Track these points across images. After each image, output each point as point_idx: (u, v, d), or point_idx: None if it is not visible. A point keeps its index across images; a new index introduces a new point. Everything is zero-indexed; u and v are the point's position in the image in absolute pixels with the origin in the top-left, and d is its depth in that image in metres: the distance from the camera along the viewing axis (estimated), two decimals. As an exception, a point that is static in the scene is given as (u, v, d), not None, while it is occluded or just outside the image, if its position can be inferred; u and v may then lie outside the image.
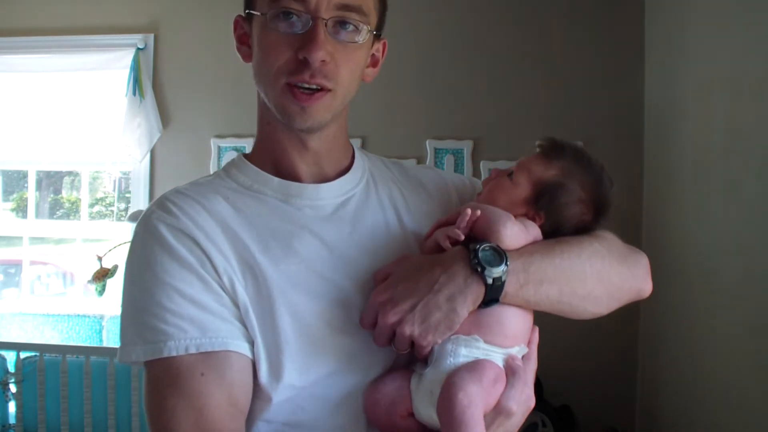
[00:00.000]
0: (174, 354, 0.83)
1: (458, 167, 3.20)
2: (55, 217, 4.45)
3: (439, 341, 0.86)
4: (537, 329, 0.94)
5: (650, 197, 3.00)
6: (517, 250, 0.90)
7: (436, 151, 3.21)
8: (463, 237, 0.89)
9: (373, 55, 1.00)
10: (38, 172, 3.90)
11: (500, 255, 0.86)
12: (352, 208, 0.99)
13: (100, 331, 3.30)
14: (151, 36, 3.43)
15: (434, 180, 1.11)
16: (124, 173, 3.80)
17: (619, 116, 3.10)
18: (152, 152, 3.43)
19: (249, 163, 1.01)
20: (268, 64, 0.91)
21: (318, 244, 0.93)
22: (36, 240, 3.99)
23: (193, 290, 0.86)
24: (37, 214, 3.97)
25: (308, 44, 0.88)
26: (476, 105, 3.19)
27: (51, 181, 4.36)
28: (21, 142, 3.59)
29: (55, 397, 2.56)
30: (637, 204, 3.05)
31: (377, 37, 0.98)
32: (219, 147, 3.38)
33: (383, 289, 0.88)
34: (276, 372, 0.86)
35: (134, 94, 3.35)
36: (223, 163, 3.32)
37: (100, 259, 3.07)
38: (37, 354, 2.62)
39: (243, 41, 0.99)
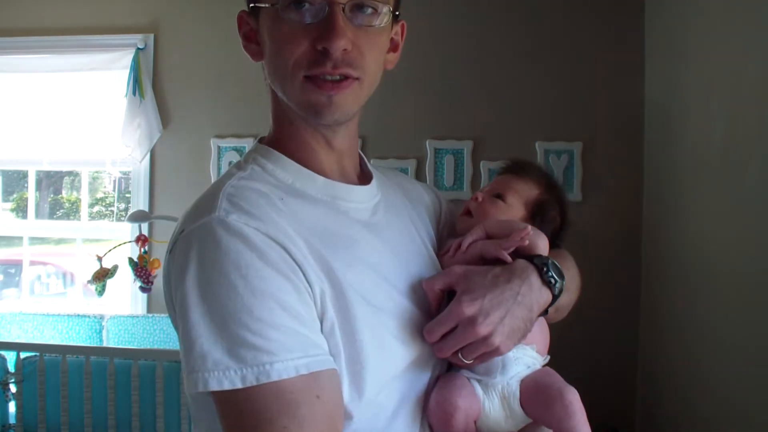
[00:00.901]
0: (285, 377, 0.72)
1: (458, 167, 3.20)
2: (55, 217, 4.46)
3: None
4: None
5: (650, 197, 3.00)
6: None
7: (436, 151, 3.21)
8: (526, 243, 0.92)
9: (392, 39, 0.93)
10: (38, 172, 3.91)
11: (558, 268, 0.91)
12: (382, 212, 0.95)
13: (100, 331, 3.30)
14: (151, 36, 3.44)
15: (412, 189, 1.09)
16: (124, 173, 3.81)
17: (619, 116, 3.10)
18: (152, 152, 3.43)
19: (287, 158, 0.90)
20: (284, 59, 0.83)
21: (372, 251, 0.88)
22: (36, 240, 3.99)
23: (292, 301, 0.76)
24: (37, 214, 3.97)
25: (327, 33, 0.81)
26: (476, 105, 3.19)
27: (51, 181, 4.36)
28: (21, 142, 3.59)
29: (55, 397, 2.56)
30: (637, 204, 3.05)
31: (395, 19, 0.91)
32: (219, 147, 3.38)
33: (469, 302, 0.84)
34: (359, 389, 0.78)
35: (134, 94, 3.35)
36: (224, 163, 3.34)
37: (100, 259, 3.07)
38: (37, 354, 2.62)
39: (250, 38, 0.91)
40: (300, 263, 0.79)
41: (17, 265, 3.93)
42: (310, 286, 0.78)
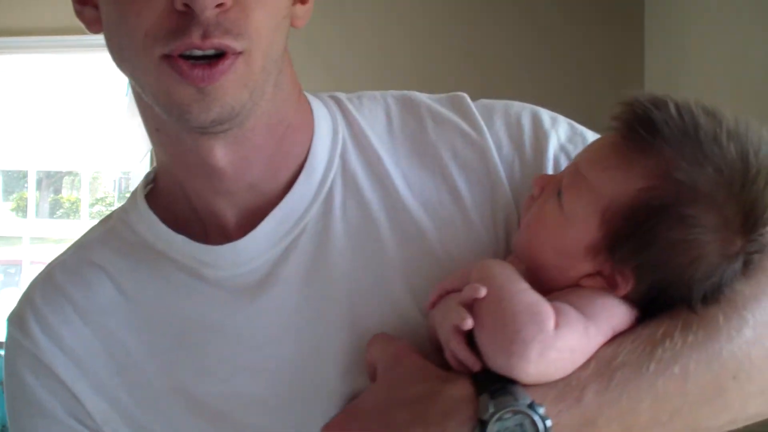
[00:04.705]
0: None
1: (458, 167, 3.19)
2: (55, 217, 4.45)
3: None
4: None
5: (650, 197, 3.00)
6: (563, 385, 0.47)
7: (436, 151, 3.20)
8: (466, 358, 0.50)
9: None
10: (38, 172, 3.91)
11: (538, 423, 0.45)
12: (303, 253, 0.60)
13: (100, 331, 3.30)
14: (151, 36, 3.44)
15: (478, 182, 0.63)
16: (124, 173, 3.81)
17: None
18: (152, 152, 3.43)
19: (146, 206, 0.64)
20: (128, 28, 0.53)
21: (240, 348, 0.60)
22: (36, 240, 3.99)
23: None
24: (37, 214, 3.97)
25: None
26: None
27: (51, 181, 4.36)
28: (21, 142, 3.59)
29: (55, 397, 2.56)
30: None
31: None
32: (219, 147, 3.39)
33: (339, 423, 0.54)
34: None
35: (134, 94, 3.36)
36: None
37: (100, 259, 3.08)
38: (37, 354, 2.62)
39: None
40: (77, 393, 0.61)
41: (17, 265, 3.93)
42: (95, 423, 0.61)
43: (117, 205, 4.04)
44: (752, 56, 2.07)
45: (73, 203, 4.39)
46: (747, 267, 0.51)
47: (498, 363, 0.47)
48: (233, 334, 0.59)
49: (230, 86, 0.53)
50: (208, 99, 0.53)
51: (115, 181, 4.16)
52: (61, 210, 4.48)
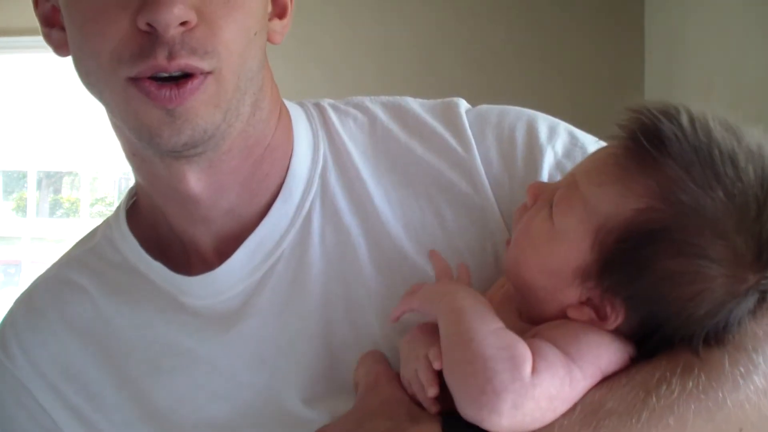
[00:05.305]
0: None
1: (458, 167, 3.19)
2: (55, 217, 4.45)
3: None
4: None
5: (650, 197, 3.00)
6: None
7: (436, 151, 3.20)
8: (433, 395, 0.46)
9: None
10: (38, 172, 3.91)
11: None
12: (280, 281, 0.58)
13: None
14: (151, 36, 3.44)
15: (464, 205, 0.59)
16: (125, 173, 3.81)
17: (619, 116, 3.10)
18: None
19: (127, 228, 0.64)
20: (93, 50, 0.52)
21: (215, 376, 0.58)
22: (36, 240, 3.99)
23: None
24: (37, 214, 3.97)
25: None
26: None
27: (51, 181, 4.36)
28: (21, 142, 3.59)
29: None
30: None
31: None
32: (219, 147, 3.39)
33: None
34: None
35: (134, 94, 3.36)
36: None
37: (100, 259, 3.08)
38: (37, 354, 2.62)
39: (52, 21, 0.59)
40: (51, 413, 0.61)
41: (17, 265, 3.93)
42: None
43: (117, 204, 4.06)
44: (752, 56, 2.07)
45: (73, 203, 4.39)
46: (761, 305, 0.44)
47: (468, 414, 0.42)
48: (209, 362, 0.58)
49: (201, 107, 0.51)
50: (178, 121, 0.50)
51: (115, 181, 4.15)
52: (61, 210, 4.48)
